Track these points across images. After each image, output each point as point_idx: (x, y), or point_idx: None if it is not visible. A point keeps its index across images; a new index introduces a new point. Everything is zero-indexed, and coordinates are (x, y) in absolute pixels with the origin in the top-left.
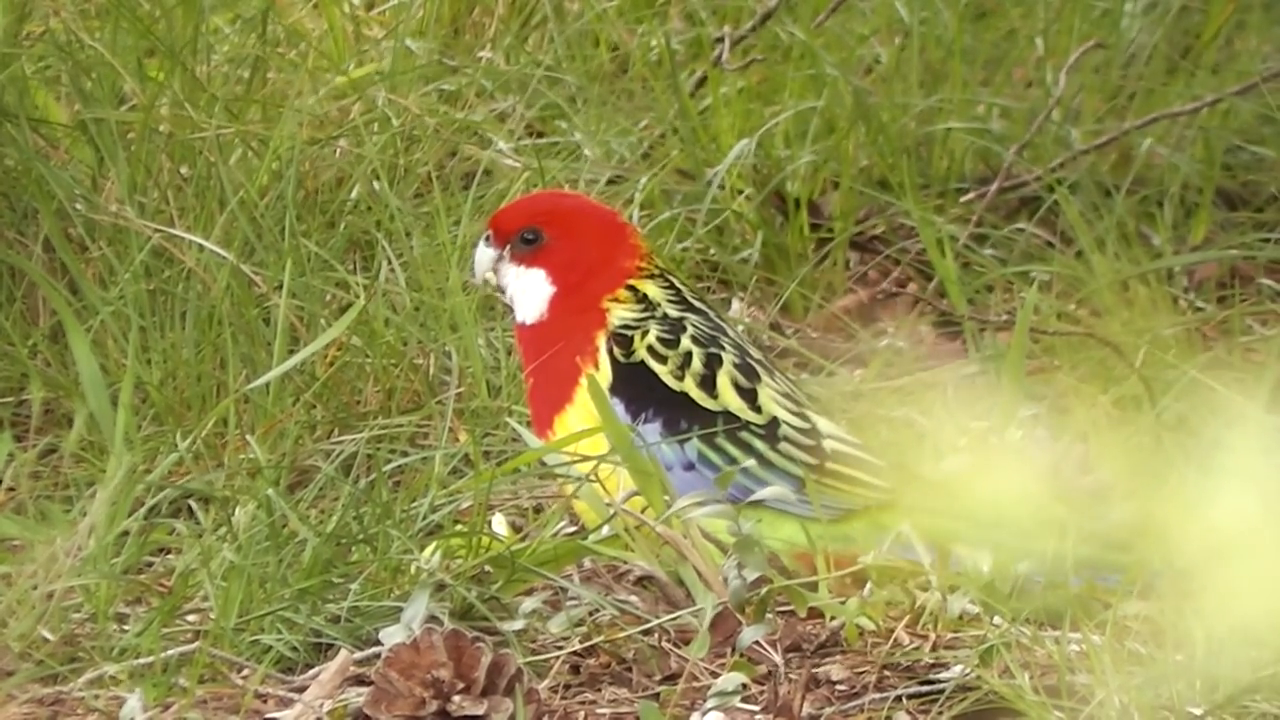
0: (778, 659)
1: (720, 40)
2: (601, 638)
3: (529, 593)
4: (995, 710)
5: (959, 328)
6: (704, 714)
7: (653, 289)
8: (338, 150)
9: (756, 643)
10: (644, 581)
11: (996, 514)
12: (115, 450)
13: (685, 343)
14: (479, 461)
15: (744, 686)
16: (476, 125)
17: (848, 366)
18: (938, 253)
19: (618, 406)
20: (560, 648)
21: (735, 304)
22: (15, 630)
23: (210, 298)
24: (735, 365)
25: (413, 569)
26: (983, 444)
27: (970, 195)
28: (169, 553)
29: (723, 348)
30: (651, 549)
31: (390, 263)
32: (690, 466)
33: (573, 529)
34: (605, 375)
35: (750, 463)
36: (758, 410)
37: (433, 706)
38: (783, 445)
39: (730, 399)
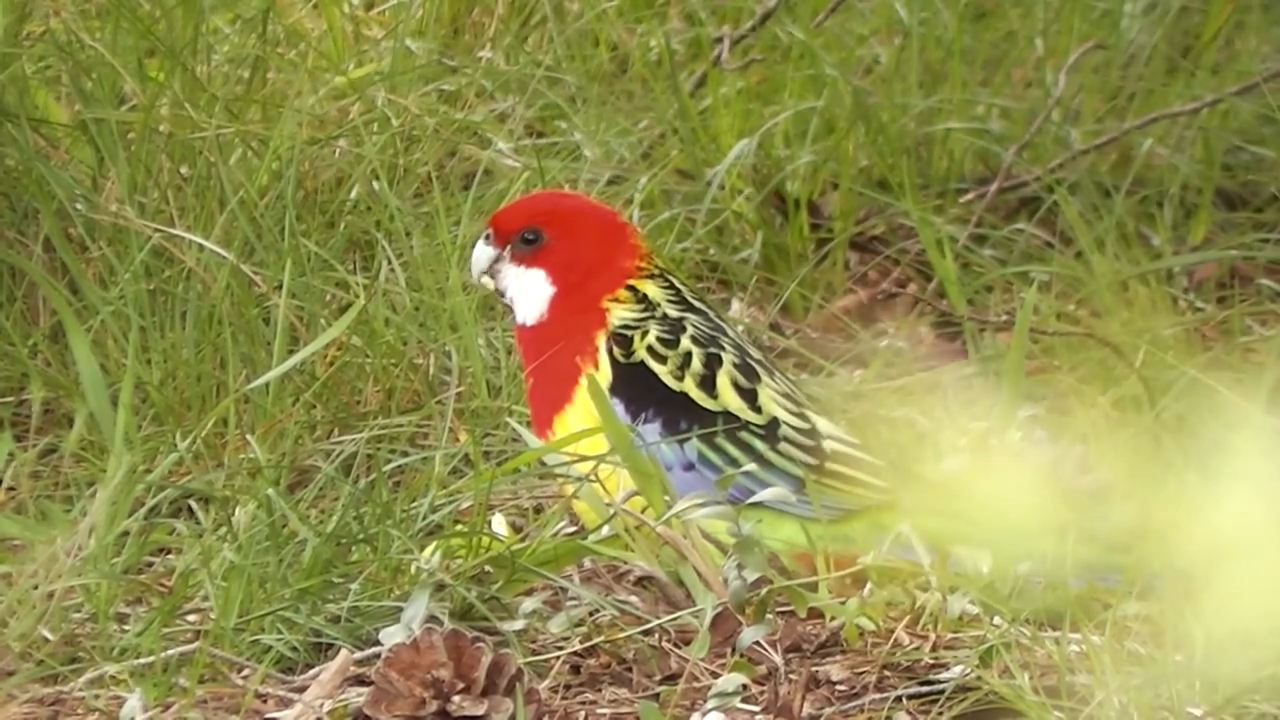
0: (778, 659)
1: (720, 40)
2: (601, 638)
3: (529, 593)
4: (995, 710)
5: (959, 328)
6: (704, 714)
7: (653, 289)
8: (337, 150)
9: (756, 643)
10: (644, 582)
11: (996, 515)
12: (115, 450)
13: (685, 343)
14: (479, 461)
15: (744, 687)
16: (476, 125)
17: (848, 366)
18: (937, 253)
19: (617, 406)
20: (560, 648)
21: (735, 304)
22: (15, 630)
23: (210, 298)
24: (735, 365)
25: (413, 569)
26: (982, 444)
27: (970, 195)
28: (169, 553)
29: (722, 348)
30: (651, 549)
31: (390, 263)
32: (690, 467)
33: (573, 529)
34: (605, 375)
35: (750, 463)
36: (758, 410)
37: (433, 707)
38: (782, 445)
39: (730, 399)
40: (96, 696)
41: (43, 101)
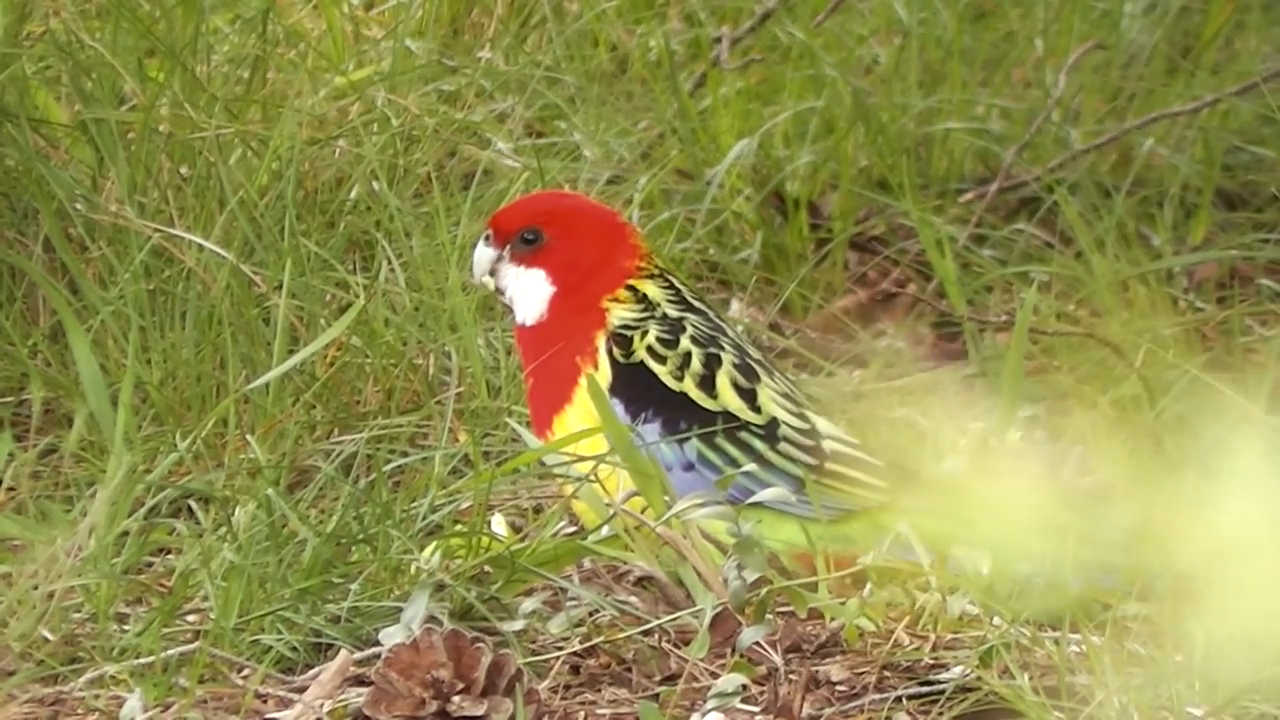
0: (778, 660)
1: (719, 40)
2: (601, 638)
3: (529, 593)
4: (995, 711)
5: (959, 328)
6: (704, 715)
7: (652, 289)
8: (337, 150)
9: (756, 643)
10: (644, 582)
11: (996, 515)
12: (115, 450)
13: (685, 343)
14: (479, 461)
15: (744, 687)
16: (476, 125)
17: (847, 367)
18: (937, 253)
19: (617, 407)
20: (560, 648)
21: (735, 304)
22: (15, 630)
23: (210, 298)
24: (735, 365)
25: (413, 569)
26: (982, 445)
27: (969, 196)
28: (169, 553)
29: (722, 348)
30: (651, 550)
31: (390, 263)
32: (690, 467)
33: (572, 529)
34: (605, 375)
35: (750, 463)
36: (757, 410)
37: (432, 707)
38: (782, 446)
39: (730, 399)
40: (96, 696)
41: (43, 101)
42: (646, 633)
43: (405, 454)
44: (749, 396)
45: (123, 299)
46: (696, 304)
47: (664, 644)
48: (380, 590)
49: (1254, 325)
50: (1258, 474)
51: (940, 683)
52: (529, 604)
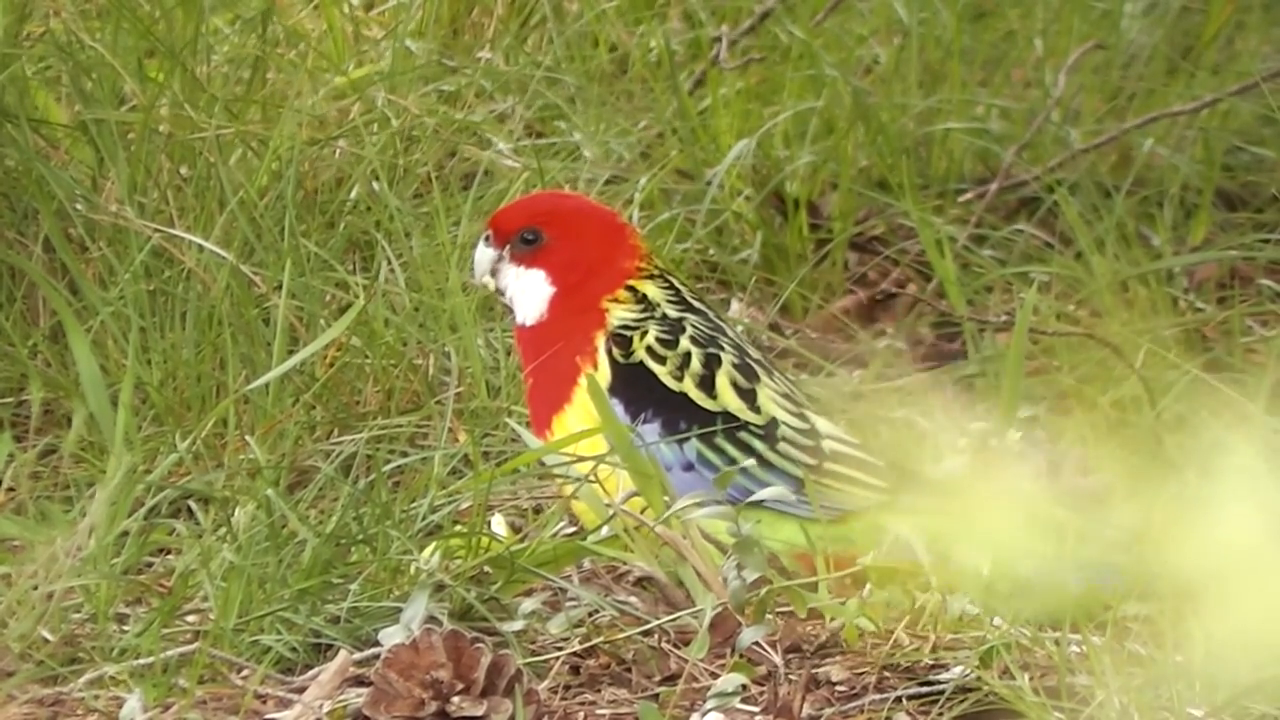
0: (777, 660)
1: (719, 40)
2: (601, 638)
3: (528, 593)
4: (995, 711)
5: (958, 328)
6: (704, 715)
7: (652, 289)
8: (337, 150)
9: (756, 643)
10: (643, 582)
11: (996, 515)
12: (115, 450)
13: (684, 343)
14: (478, 462)
15: (744, 687)
16: (476, 126)
17: (847, 367)
18: (937, 253)
19: (617, 407)
20: (560, 648)
21: (735, 304)
22: (15, 630)
23: (210, 298)
24: (734, 365)
25: (412, 569)
26: (982, 445)
27: (969, 196)
28: (169, 553)
29: (722, 348)
30: (651, 550)
31: (390, 263)
32: (689, 467)
33: (572, 529)
34: (604, 375)
35: (749, 463)
36: (757, 410)
37: (432, 707)
38: (782, 445)
39: (729, 399)
40: (96, 697)
41: (43, 102)
42: (646, 633)
43: (405, 454)
44: (749, 397)
45: (123, 299)
46: (696, 304)
47: (664, 644)
48: (380, 590)
49: (1254, 325)
50: (1258, 474)
51: (940, 683)
52: (529, 604)
